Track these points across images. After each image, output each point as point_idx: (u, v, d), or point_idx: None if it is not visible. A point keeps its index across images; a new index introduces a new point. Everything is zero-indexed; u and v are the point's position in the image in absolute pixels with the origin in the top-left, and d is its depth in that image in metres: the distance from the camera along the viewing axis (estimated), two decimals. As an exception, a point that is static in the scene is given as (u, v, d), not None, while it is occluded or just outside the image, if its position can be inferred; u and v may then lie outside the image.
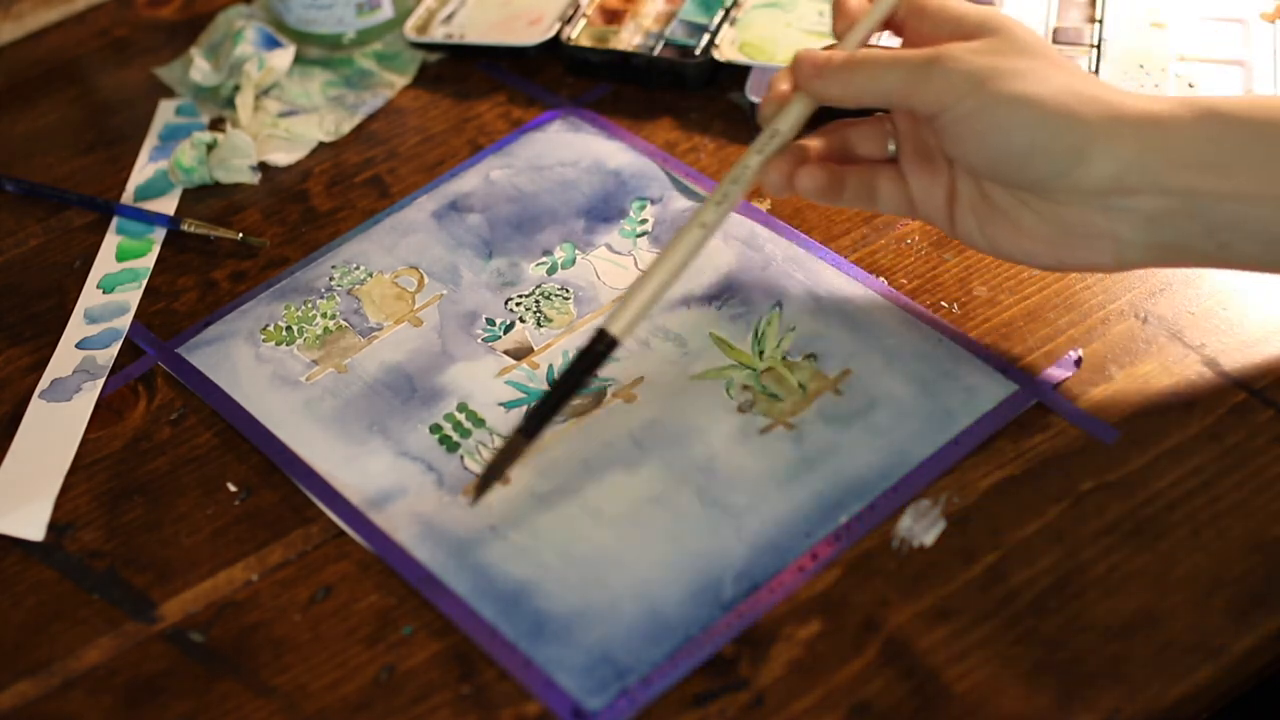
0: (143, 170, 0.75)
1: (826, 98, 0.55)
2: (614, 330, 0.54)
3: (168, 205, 0.72)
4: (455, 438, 0.59)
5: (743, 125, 0.72)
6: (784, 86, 0.56)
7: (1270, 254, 0.52)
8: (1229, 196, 0.50)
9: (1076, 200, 0.52)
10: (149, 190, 0.73)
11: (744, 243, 0.65)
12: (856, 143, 0.58)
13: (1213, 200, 0.50)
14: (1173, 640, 0.49)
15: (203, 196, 0.73)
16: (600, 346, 0.54)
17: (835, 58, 0.54)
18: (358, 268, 0.67)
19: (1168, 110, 0.51)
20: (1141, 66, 0.69)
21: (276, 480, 0.59)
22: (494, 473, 0.55)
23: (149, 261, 0.69)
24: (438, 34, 0.78)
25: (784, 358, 0.60)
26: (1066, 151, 0.51)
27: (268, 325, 0.65)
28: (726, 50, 0.73)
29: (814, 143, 0.58)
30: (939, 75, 0.52)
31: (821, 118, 0.58)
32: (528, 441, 0.54)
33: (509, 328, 0.63)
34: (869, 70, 0.53)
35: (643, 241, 0.66)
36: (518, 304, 0.64)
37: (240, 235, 0.69)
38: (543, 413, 0.54)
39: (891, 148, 0.58)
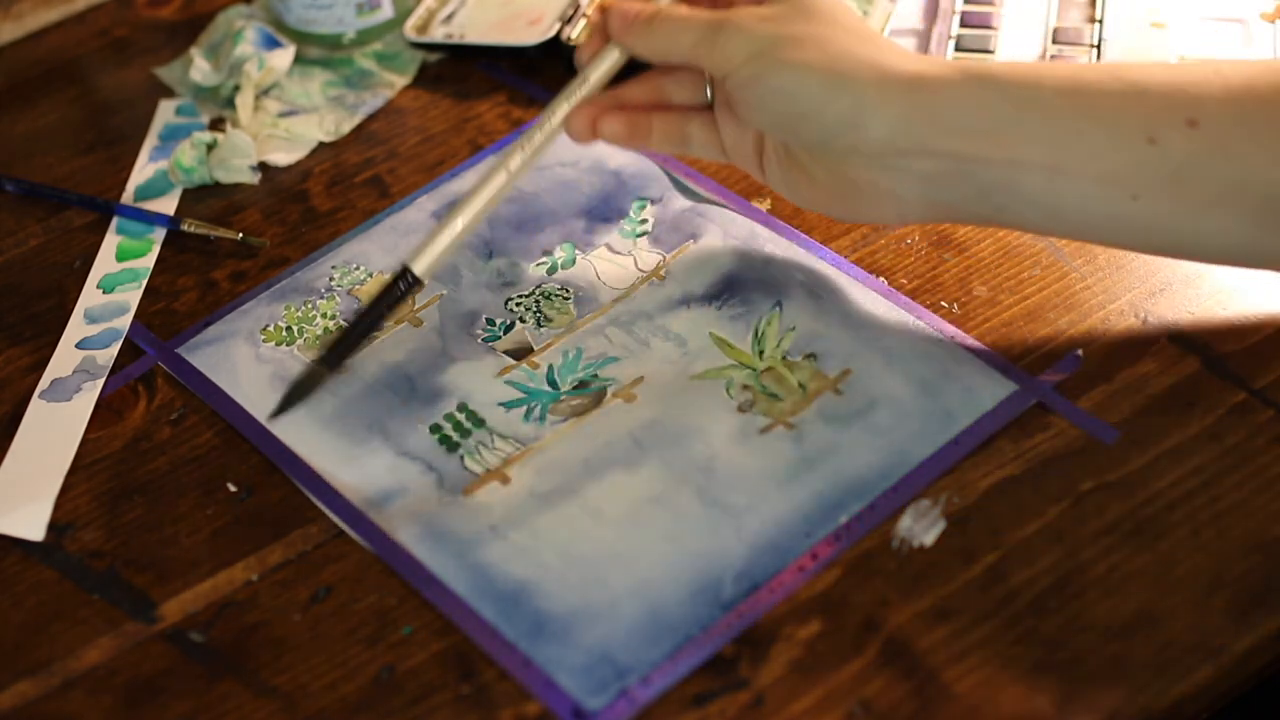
0: (143, 170, 0.75)
1: (632, 51, 0.57)
2: (417, 269, 0.55)
3: (168, 205, 0.72)
4: (455, 438, 0.59)
5: (743, 125, 0.72)
6: (598, 22, 0.58)
7: (1046, 219, 0.53)
8: (999, 163, 0.52)
9: (856, 160, 0.54)
10: (149, 190, 0.73)
11: (744, 243, 0.65)
12: (673, 90, 0.60)
13: (981, 165, 0.52)
14: (1173, 640, 0.49)
15: (203, 196, 0.73)
16: (402, 285, 0.55)
17: (643, 12, 0.56)
18: (358, 268, 0.67)
19: (938, 73, 0.52)
20: (1141, 66, 0.69)
21: (276, 480, 0.59)
22: (290, 400, 0.56)
23: (149, 261, 0.69)
24: (438, 34, 0.78)
25: (784, 358, 0.60)
26: (839, 116, 0.53)
27: (268, 325, 0.65)
28: (726, 50, 0.73)
29: (630, 90, 0.59)
30: (723, 40, 0.54)
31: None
32: (328, 373, 0.56)
33: (509, 328, 0.63)
34: (668, 28, 0.55)
35: (643, 241, 0.66)
36: (518, 304, 0.64)
37: (240, 235, 0.69)
38: (342, 347, 0.55)
39: (707, 95, 0.59)
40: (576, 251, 0.66)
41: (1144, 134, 0.50)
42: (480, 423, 0.59)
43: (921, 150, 0.52)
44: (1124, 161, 0.51)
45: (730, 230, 0.65)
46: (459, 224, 0.56)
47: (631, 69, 0.58)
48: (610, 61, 0.57)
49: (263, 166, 0.74)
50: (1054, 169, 0.51)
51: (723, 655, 0.51)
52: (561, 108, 0.57)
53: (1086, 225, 0.53)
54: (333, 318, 0.65)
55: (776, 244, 0.64)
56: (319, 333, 0.64)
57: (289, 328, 0.65)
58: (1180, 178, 0.50)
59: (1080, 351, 0.58)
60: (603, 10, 0.57)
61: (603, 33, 0.57)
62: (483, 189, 0.56)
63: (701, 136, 0.60)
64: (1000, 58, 0.71)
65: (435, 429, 0.59)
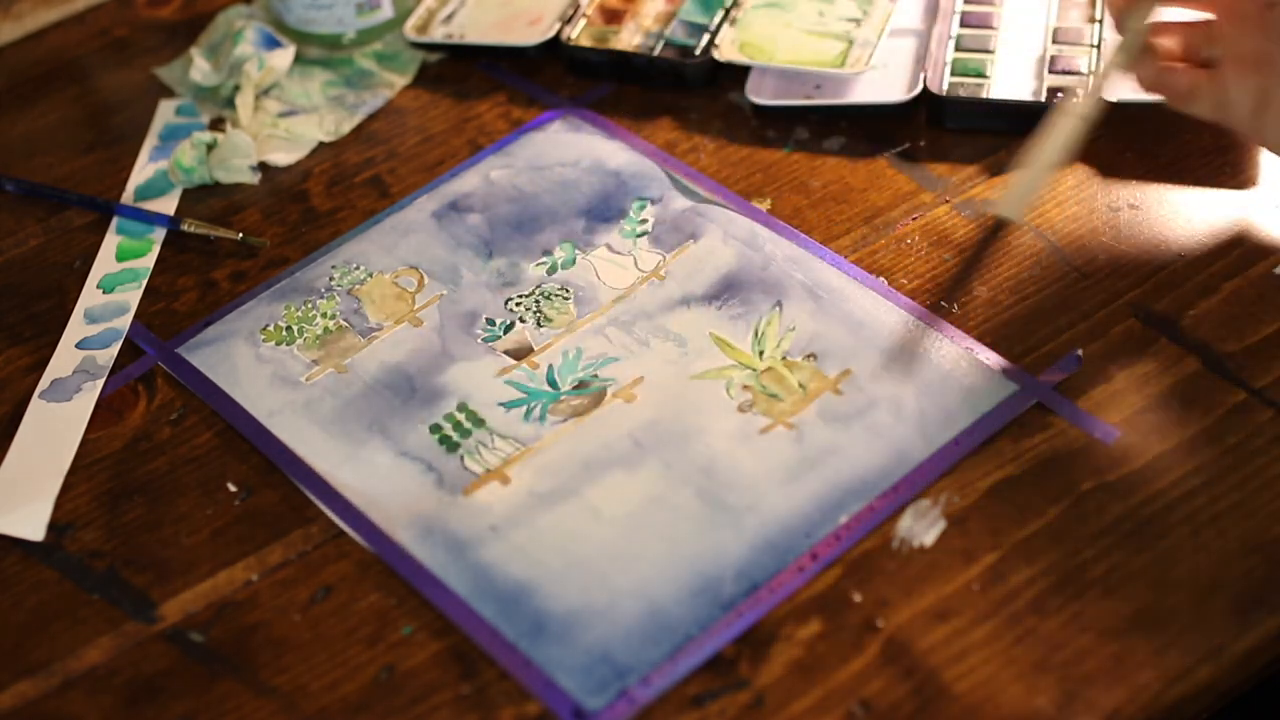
0: (143, 170, 0.75)
1: None
2: (1007, 214, 0.57)
3: (168, 205, 0.72)
4: (455, 438, 0.59)
5: (743, 125, 0.72)
6: None
7: None
8: None
9: None
10: (149, 190, 0.73)
11: (744, 243, 0.65)
12: (1186, 44, 0.61)
13: None
14: (1173, 640, 0.49)
15: (203, 196, 0.73)
16: (998, 229, 0.57)
17: None
18: (358, 268, 0.67)
19: None
20: (1141, 66, 0.69)
21: (276, 480, 0.59)
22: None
23: (149, 261, 0.69)
24: (438, 34, 0.78)
25: (784, 358, 0.60)
26: None
27: (268, 325, 0.65)
28: (726, 50, 0.73)
29: (1162, 40, 0.60)
30: None
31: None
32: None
33: (509, 328, 0.63)
34: None
35: (643, 241, 0.66)
36: (518, 304, 0.64)
37: (240, 235, 0.69)
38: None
39: (1213, 52, 0.60)
40: (576, 251, 0.66)
41: None
42: (480, 423, 0.59)
43: None
44: None
45: (730, 230, 0.65)
46: (1042, 167, 0.57)
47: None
48: (1144, 11, 0.59)
49: (263, 166, 0.74)
50: None
51: (723, 655, 0.51)
52: (1119, 58, 0.59)
53: None
54: (332, 317, 0.65)
55: (776, 244, 0.64)
56: (319, 333, 0.64)
57: (289, 328, 0.65)
58: None
59: (1080, 351, 0.58)
60: None
61: None
62: (1057, 133, 0.57)
63: (1205, 93, 0.59)
64: (1000, 57, 0.71)
65: (435, 429, 0.59)
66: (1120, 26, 0.59)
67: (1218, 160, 0.66)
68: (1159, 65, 0.59)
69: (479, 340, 0.63)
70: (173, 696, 0.53)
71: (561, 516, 0.55)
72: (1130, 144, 0.67)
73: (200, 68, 0.77)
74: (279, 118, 0.75)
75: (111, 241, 0.71)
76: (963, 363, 0.58)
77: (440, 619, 0.53)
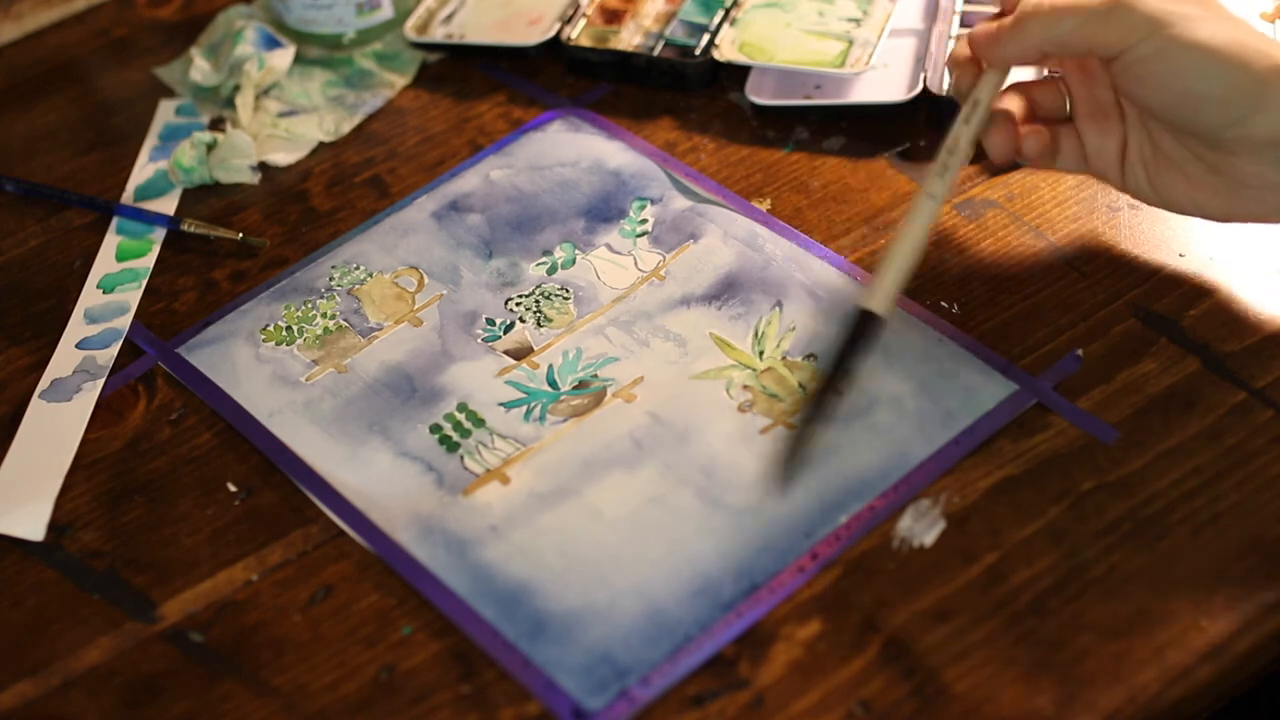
0: (143, 170, 0.75)
1: (1008, 58, 0.57)
2: (876, 307, 0.55)
3: (168, 205, 0.72)
4: (455, 438, 0.59)
5: (743, 125, 0.72)
6: (964, 52, 0.59)
7: None
8: None
9: (1246, 150, 0.53)
10: (149, 190, 0.73)
11: (744, 243, 0.65)
12: (1039, 103, 0.60)
13: None
14: (1173, 640, 0.49)
15: (203, 196, 0.73)
16: (869, 326, 0.54)
17: (1004, 21, 0.56)
18: (358, 268, 0.67)
19: None
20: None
21: (276, 480, 0.59)
22: (790, 473, 0.54)
23: (149, 261, 0.69)
24: (438, 34, 0.78)
25: (784, 358, 0.60)
26: (1240, 101, 0.52)
27: (268, 325, 0.65)
28: (726, 50, 0.73)
29: (1010, 104, 0.60)
30: (1118, 17, 0.53)
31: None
32: (816, 431, 0.54)
33: (509, 328, 0.63)
34: (1043, 20, 0.55)
35: (643, 241, 0.66)
36: (518, 304, 0.64)
37: (240, 235, 0.69)
38: (823, 402, 0.54)
39: (1066, 106, 0.60)
40: (576, 251, 0.66)
41: None
42: (480, 423, 0.59)
43: None
44: None
45: (730, 230, 0.65)
46: (902, 257, 0.55)
47: None
48: (994, 80, 0.58)
49: (263, 166, 0.74)
50: None
51: (723, 655, 0.51)
52: (965, 132, 0.57)
53: None
54: (332, 317, 0.65)
55: (776, 244, 0.64)
56: (319, 332, 0.64)
57: (289, 328, 0.65)
58: None
59: (1080, 351, 0.58)
60: (966, 40, 0.58)
61: (963, 54, 0.59)
62: (913, 221, 0.56)
63: (1067, 146, 0.60)
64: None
65: (435, 429, 0.59)
66: (963, 99, 0.59)
67: (1218, 160, 0.66)
68: (1011, 131, 0.58)
69: (479, 340, 0.63)
70: (173, 696, 0.53)
71: (561, 516, 0.55)
72: (1130, 144, 0.67)
73: (200, 68, 0.77)
74: (279, 118, 0.75)
75: (111, 241, 0.71)
76: (963, 363, 0.58)
77: (440, 619, 0.53)
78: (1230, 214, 0.56)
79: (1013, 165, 0.66)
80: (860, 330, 0.54)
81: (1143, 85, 0.54)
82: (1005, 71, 0.58)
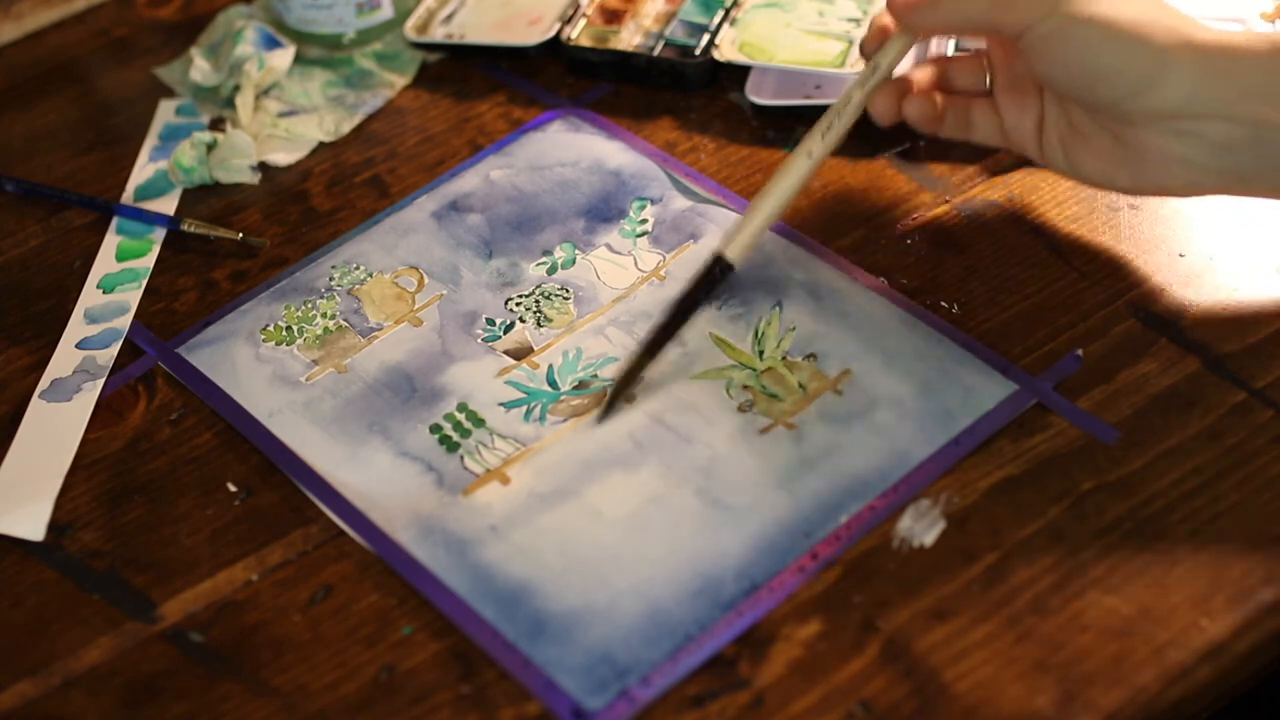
0: (143, 170, 0.75)
1: (921, 28, 0.58)
2: (730, 255, 0.58)
3: (168, 205, 0.72)
4: (455, 438, 0.59)
5: (743, 125, 0.72)
6: (884, 22, 0.59)
7: None
8: None
9: (1148, 122, 0.54)
10: (149, 190, 0.73)
11: (744, 243, 0.65)
12: (954, 77, 0.62)
13: None
14: (1173, 640, 0.49)
15: (203, 196, 0.73)
16: (717, 270, 0.57)
17: None
18: (358, 268, 0.67)
19: (1243, 41, 0.53)
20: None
21: (276, 480, 0.59)
22: (618, 393, 0.58)
23: (149, 261, 0.69)
24: (438, 34, 0.78)
25: (784, 358, 0.60)
26: (1139, 73, 0.53)
27: (268, 325, 0.65)
28: (726, 50, 0.73)
29: (917, 74, 0.61)
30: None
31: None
32: (650, 359, 0.58)
33: (509, 328, 0.63)
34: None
35: (643, 241, 0.66)
36: (518, 304, 0.64)
37: (240, 235, 0.69)
38: (662, 334, 0.58)
39: (986, 80, 0.61)
40: (576, 251, 0.66)
41: None
42: (480, 423, 0.59)
43: (1220, 114, 0.53)
44: None
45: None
46: (766, 209, 0.58)
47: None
48: (898, 47, 0.59)
49: (263, 166, 0.74)
50: None
51: (723, 655, 0.51)
52: (857, 94, 0.59)
53: None
54: (332, 317, 0.65)
55: (776, 244, 0.64)
56: (319, 332, 0.64)
57: (289, 327, 0.65)
58: None
59: (1080, 351, 0.58)
60: (886, 5, 0.59)
61: (887, 19, 0.59)
62: (786, 175, 0.58)
63: (983, 119, 0.61)
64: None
65: (435, 429, 0.59)
66: (868, 61, 0.60)
67: (1218, 160, 0.66)
68: (894, 96, 0.60)
69: (479, 340, 0.63)
70: (173, 696, 0.53)
71: (561, 516, 0.55)
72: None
73: (200, 68, 0.77)
74: (279, 118, 0.75)
75: (111, 241, 0.71)
76: (963, 363, 0.58)
77: (440, 619, 0.53)
78: (1138, 187, 0.57)
79: (1016, 164, 0.66)
80: (710, 274, 0.57)
81: (1044, 62, 0.55)
82: (911, 40, 0.59)
